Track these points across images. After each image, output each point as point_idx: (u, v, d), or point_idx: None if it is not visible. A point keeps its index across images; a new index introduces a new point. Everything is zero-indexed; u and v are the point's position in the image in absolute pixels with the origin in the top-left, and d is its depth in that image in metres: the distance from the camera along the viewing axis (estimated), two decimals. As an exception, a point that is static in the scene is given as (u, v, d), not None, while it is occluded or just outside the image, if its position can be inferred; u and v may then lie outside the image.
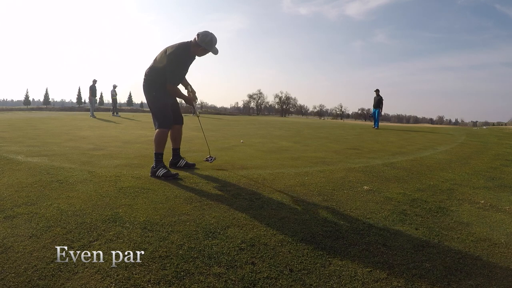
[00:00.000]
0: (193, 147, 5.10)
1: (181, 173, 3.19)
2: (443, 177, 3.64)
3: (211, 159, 3.61)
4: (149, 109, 3.35)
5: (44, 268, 1.49)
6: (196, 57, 3.26)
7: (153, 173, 3.08)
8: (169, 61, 3.06)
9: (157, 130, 3.18)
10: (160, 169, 3.06)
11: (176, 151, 3.52)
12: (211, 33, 3.10)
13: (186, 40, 3.20)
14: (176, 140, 3.49)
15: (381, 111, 13.26)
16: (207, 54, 3.20)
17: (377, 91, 13.22)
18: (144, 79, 3.21)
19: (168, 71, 3.08)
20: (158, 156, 3.11)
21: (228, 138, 6.92)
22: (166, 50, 3.14)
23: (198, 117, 3.96)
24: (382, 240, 1.93)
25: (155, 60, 3.19)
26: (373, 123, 13.54)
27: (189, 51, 3.15)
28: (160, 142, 3.15)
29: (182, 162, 3.52)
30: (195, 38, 3.10)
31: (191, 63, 3.32)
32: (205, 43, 3.08)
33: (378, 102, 13.11)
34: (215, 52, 3.18)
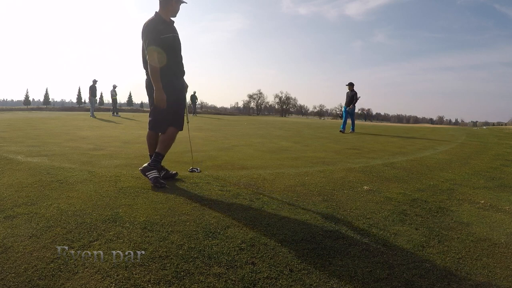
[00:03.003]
0: (192, 147, 5.10)
1: (181, 173, 3.19)
2: (443, 177, 3.64)
3: (197, 170, 3.36)
4: (148, 108, 3.12)
5: (44, 268, 1.49)
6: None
7: (145, 170, 2.84)
8: (144, 41, 2.81)
9: (170, 128, 2.91)
10: (155, 171, 2.84)
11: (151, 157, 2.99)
12: None
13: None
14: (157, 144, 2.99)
15: (351, 107, 10.40)
16: (180, 5, 2.96)
17: (350, 85, 10.52)
18: (148, 81, 2.95)
19: (147, 48, 2.79)
20: (159, 156, 2.88)
21: (228, 138, 6.92)
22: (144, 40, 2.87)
23: (187, 122, 3.43)
24: (382, 240, 1.93)
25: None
26: (342, 124, 10.50)
27: (159, 20, 2.87)
28: (170, 144, 2.94)
29: (151, 175, 2.87)
30: (160, 3, 2.88)
31: (173, 35, 2.95)
32: None
33: (352, 98, 10.46)
34: None
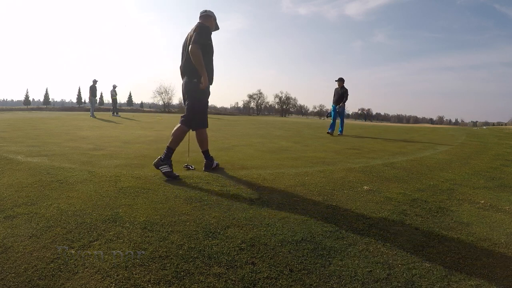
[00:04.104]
0: (192, 147, 5.10)
1: (181, 173, 3.19)
2: (443, 177, 3.64)
3: (192, 168, 3.46)
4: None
5: (44, 268, 1.49)
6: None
7: (158, 165, 3.06)
8: (199, 34, 3.09)
9: (200, 130, 3.36)
10: (166, 166, 3.04)
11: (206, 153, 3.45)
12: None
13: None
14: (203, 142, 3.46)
15: (341, 105, 9.17)
16: (214, 28, 3.42)
17: (340, 80, 9.16)
18: (184, 76, 3.27)
19: (196, 36, 3.06)
20: (207, 152, 3.39)
21: (228, 138, 6.92)
22: (192, 36, 3.13)
23: None
24: (382, 240, 1.93)
25: (187, 47, 3.18)
26: (330, 124, 9.24)
27: (209, 28, 3.30)
28: (204, 140, 3.39)
29: (214, 164, 3.48)
30: (203, 16, 3.30)
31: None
32: (213, 13, 3.37)
33: (341, 96, 9.09)
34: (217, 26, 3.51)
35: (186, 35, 3.29)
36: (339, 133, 9.12)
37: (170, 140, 3.18)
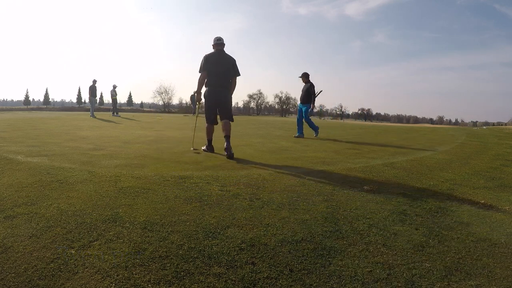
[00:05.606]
0: (192, 147, 5.10)
1: (181, 173, 3.19)
2: (443, 177, 3.63)
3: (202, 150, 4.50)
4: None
5: (44, 268, 1.49)
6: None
7: (230, 149, 4.34)
8: (236, 71, 4.68)
9: (230, 121, 4.63)
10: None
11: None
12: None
13: (222, 49, 4.61)
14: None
15: (313, 106, 7.54)
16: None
17: (303, 76, 7.63)
18: (223, 89, 4.58)
19: (238, 70, 4.68)
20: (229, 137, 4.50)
21: (228, 138, 6.91)
22: (232, 59, 4.59)
23: (197, 117, 5.11)
24: (382, 240, 1.93)
25: (228, 71, 4.56)
26: (297, 128, 7.80)
27: None
28: (230, 127, 4.65)
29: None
30: (224, 45, 4.63)
31: None
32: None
33: (307, 93, 7.49)
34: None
35: (221, 55, 4.56)
36: (314, 135, 7.69)
37: (226, 131, 4.51)
